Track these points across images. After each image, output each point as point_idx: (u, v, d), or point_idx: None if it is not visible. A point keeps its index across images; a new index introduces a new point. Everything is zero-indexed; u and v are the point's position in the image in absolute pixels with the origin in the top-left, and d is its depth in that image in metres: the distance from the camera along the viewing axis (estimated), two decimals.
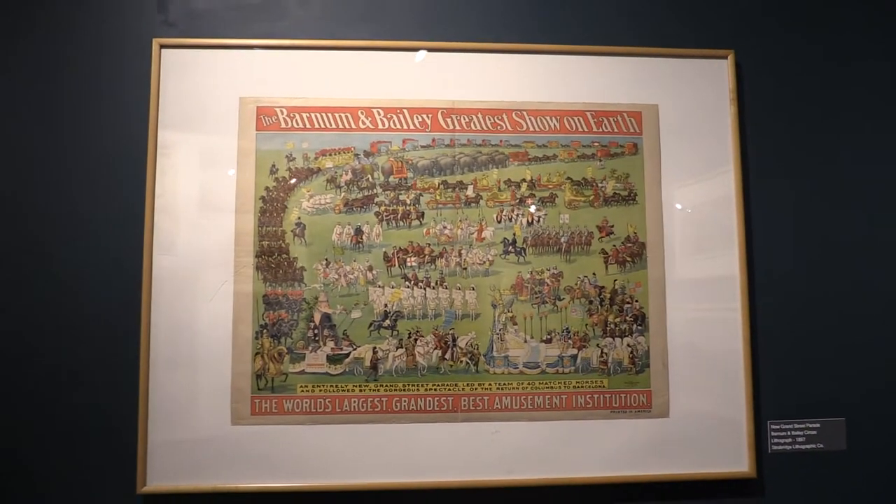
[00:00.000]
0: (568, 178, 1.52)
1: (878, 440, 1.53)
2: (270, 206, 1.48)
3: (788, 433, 1.50)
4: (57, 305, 1.44)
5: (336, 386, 1.46)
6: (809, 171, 1.58)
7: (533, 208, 1.50)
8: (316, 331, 1.46)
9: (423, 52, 1.51)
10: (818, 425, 1.51)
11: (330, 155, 1.51)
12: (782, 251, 1.54)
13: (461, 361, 1.47)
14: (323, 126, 1.50)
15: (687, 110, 1.54)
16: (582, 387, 1.48)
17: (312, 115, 1.51)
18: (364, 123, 1.51)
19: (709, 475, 1.46)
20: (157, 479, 1.41)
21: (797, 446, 1.50)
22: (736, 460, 1.47)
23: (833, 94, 1.60)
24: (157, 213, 1.45)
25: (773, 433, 1.50)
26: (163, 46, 1.49)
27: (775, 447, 1.50)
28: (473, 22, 1.56)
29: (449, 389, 1.46)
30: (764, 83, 1.58)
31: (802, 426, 1.51)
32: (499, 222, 1.50)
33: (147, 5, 1.53)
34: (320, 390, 1.45)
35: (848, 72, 1.61)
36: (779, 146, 1.57)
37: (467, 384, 1.46)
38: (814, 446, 1.51)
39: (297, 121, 1.50)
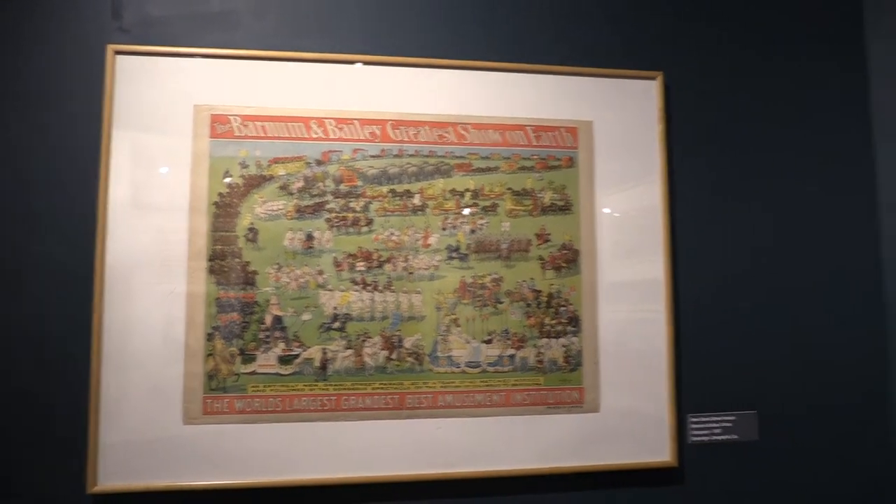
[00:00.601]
0: (509, 188, 1.62)
1: (786, 431, 1.68)
2: (224, 212, 1.53)
3: (706, 425, 1.63)
4: (6, 305, 1.45)
5: (287, 385, 1.52)
6: (730, 184, 1.72)
7: (466, 211, 1.58)
8: (267, 333, 1.52)
9: (359, 65, 1.58)
10: (733, 418, 1.65)
11: (282, 163, 1.56)
12: (703, 257, 1.68)
13: (406, 361, 1.55)
14: (276, 135, 1.56)
15: (619, 126, 1.66)
16: (520, 385, 1.58)
17: (266, 124, 1.56)
18: (316, 133, 1.57)
19: (635, 465, 1.58)
20: (109, 478, 1.43)
21: (714, 437, 1.64)
22: (659, 451, 1.60)
23: (754, 112, 1.75)
24: (109, 216, 1.48)
25: (692, 426, 1.63)
26: (117, 52, 1.52)
27: (694, 438, 1.63)
28: (423, 38, 1.64)
29: (395, 388, 1.54)
30: (690, 102, 1.72)
31: (719, 419, 1.64)
32: (444, 230, 1.59)
33: (102, 12, 1.55)
34: (271, 390, 1.51)
35: (769, 92, 1.76)
36: (703, 161, 1.71)
37: (412, 383, 1.55)
38: (729, 437, 1.65)
39: (250, 129, 1.55)
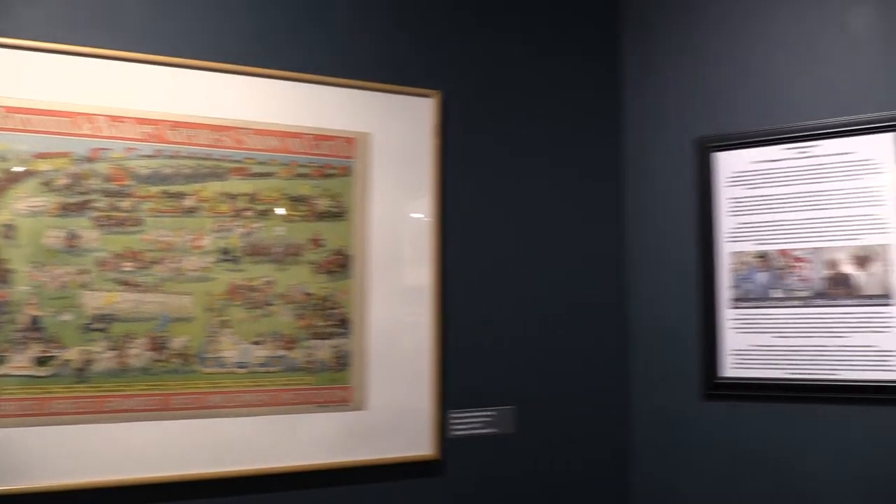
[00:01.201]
0: (285, 194, 1.66)
1: (541, 424, 1.85)
2: None
3: (467, 420, 1.77)
4: None
5: (42, 388, 1.48)
6: (499, 197, 1.87)
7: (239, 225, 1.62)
8: (23, 333, 1.47)
9: (134, 63, 1.57)
10: (493, 413, 1.80)
11: (46, 158, 1.52)
12: (468, 265, 1.81)
13: (173, 362, 1.55)
14: (40, 129, 1.51)
15: (397, 139, 1.75)
16: (290, 384, 1.63)
17: (30, 116, 1.51)
18: (85, 129, 1.54)
19: (399, 459, 1.68)
20: None
21: (475, 431, 1.78)
22: (422, 445, 1.71)
23: (522, 130, 1.91)
24: None
25: (453, 421, 1.76)
26: None
27: (455, 432, 1.76)
28: (205, 41, 1.64)
29: (160, 389, 1.54)
30: (466, 119, 1.85)
31: (480, 413, 1.78)
32: (216, 232, 1.61)
33: None
34: (24, 392, 1.47)
35: (540, 113, 1.94)
36: (473, 175, 1.84)
37: (178, 383, 1.56)
38: (489, 431, 1.79)
39: (12, 121, 1.50)
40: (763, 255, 1.81)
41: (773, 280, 1.80)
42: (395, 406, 1.70)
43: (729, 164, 1.88)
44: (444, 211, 1.79)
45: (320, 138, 1.69)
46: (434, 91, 1.79)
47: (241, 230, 1.62)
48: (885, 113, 1.72)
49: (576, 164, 1.99)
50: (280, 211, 1.65)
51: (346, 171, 1.71)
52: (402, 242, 1.73)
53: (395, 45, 1.80)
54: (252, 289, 1.62)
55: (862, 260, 1.71)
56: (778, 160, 1.82)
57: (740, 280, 1.83)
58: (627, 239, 2.02)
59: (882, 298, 1.69)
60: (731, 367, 1.83)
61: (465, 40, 1.88)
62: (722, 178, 1.88)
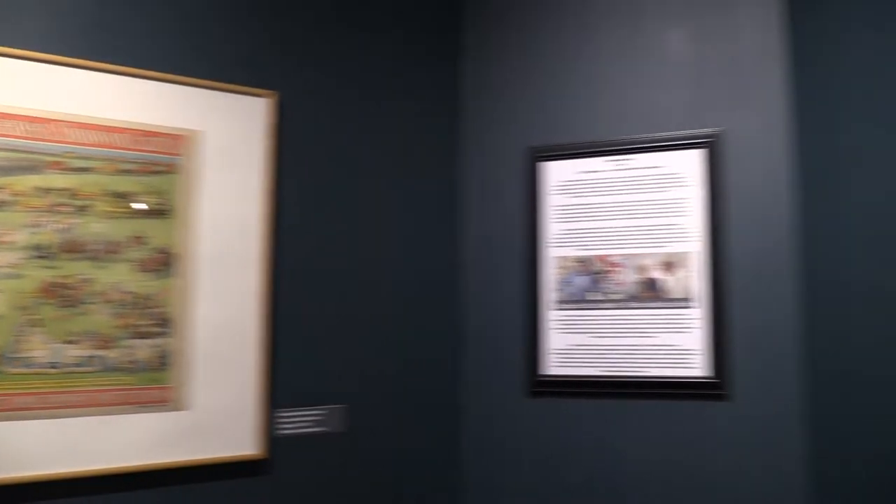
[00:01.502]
0: (107, 190, 1.63)
1: (373, 423, 1.89)
2: None
3: (296, 419, 1.78)
4: None
5: None
6: (334, 198, 1.90)
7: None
8: None
9: None
10: (324, 411, 1.82)
11: None
12: (299, 265, 1.83)
13: None
14: None
15: (230, 139, 1.75)
16: (107, 385, 1.60)
17: None
18: None
19: (225, 458, 1.68)
20: None
21: (304, 430, 1.79)
22: (248, 445, 1.71)
23: (363, 135, 1.95)
24: None
25: (282, 420, 1.77)
26: None
27: (283, 431, 1.77)
28: (27, 30, 1.59)
29: None
30: (301, 120, 1.86)
31: (309, 412, 1.80)
32: (30, 228, 1.55)
33: None
34: None
35: (379, 117, 1.99)
36: (307, 175, 1.86)
37: None
38: (319, 430, 1.81)
39: None
40: (584, 260, 1.93)
41: (592, 283, 1.92)
42: (219, 405, 1.69)
43: (556, 173, 1.98)
44: (278, 211, 1.80)
45: (148, 134, 1.67)
46: (270, 91, 1.80)
47: (56, 226, 1.58)
48: (692, 131, 1.87)
49: (413, 167, 2.04)
50: (100, 206, 1.61)
51: (173, 169, 1.69)
52: (231, 242, 1.73)
53: (232, 44, 1.80)
54: (67, 287, 1.58)
55: (668, 266, 1.85)
56: (599, 171, 1.94)
57: (563, 283, 1.94)
58: (460, 242, 2.09)
59: (684, 301, 1.83)
60: (554, 365, 1.93)
61: (307, 41, 1.90)
62: (549, 187, 1.99)
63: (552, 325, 1.94)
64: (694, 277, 1.83)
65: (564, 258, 1.95)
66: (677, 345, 1.83)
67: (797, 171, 1.80)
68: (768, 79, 1.85)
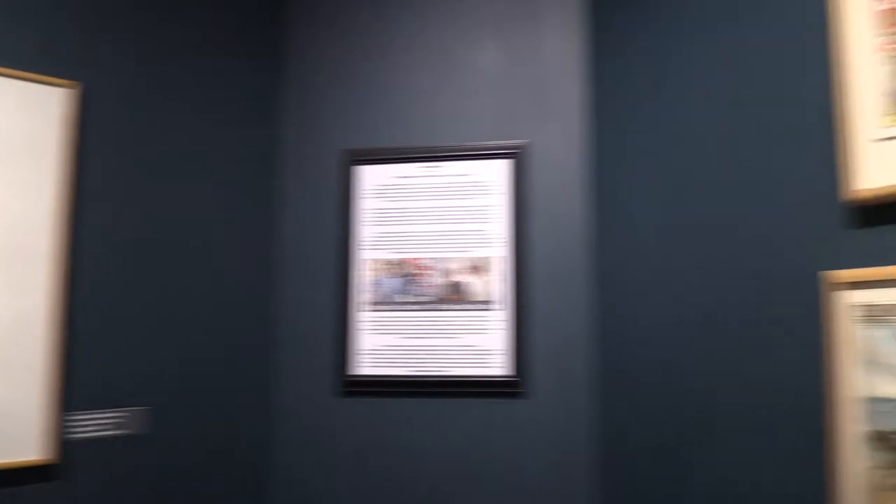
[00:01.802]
0: None
1: (179, 425, 1.88)
2: None
3: (93, 422, 1.74)
4: None
5: None
6: (142, 194, 1.86)
7: None
8: None
9: None
10: (124, 413, 1.79)
11: None
12: (103, 262, 1.78)
13: None
14: None
15: (21, 130, 1.67)
16: None
17: None
18: None
19: (10, 464, 1.61)
20: None
21: (102, 433, 1.75)
22: (36, 449, 1.65)
23: (177, 131, 1.92)
24: None
25: (75, 422, 1.72)
26: None
27: (77, 435, 1.72)
28: None
29: None
30: (110, 114, 1.81)
31: (108, 415, 1.76)
32: None
33: None
34: None
35: (195, 113, 1.96)
36: (116, 171, 1.81)
37: None
38: (119, 432, 1.78)
39: None
40: (397, 263, 1.99)
41: (402, 286, 1.98)
42: (6, 411, 1.62)
43: (371, 177, 2.03)
44: (77, 205, 1.74)
45: None
46: (72, 82, 1.73)
47: None
48: (499, 142, 1.96)
49: (228, 167, 2.03)
50: None
51: None
52: (19, 237, 1.66)
53: (31, 30, 1.71)
54: None
55: (474, 269, 1.94)
56: (412, 177, 2.01)
57: (375, 285, 2.00)
58: (275, 242, 2.10)
59: (485, 304, 1.93)
60: (365, 365, 1.98)
61: (118, 31, 1.84)
62: (364, 190, 2.03)
63: (363, 325, 1.99)
64: (497, 281, 1.93)
65: (377, 261, 2.00)
66: (480, 345, 1.92)
67: (592, 180, 1.93)
68: (568, 93, 1.97)
